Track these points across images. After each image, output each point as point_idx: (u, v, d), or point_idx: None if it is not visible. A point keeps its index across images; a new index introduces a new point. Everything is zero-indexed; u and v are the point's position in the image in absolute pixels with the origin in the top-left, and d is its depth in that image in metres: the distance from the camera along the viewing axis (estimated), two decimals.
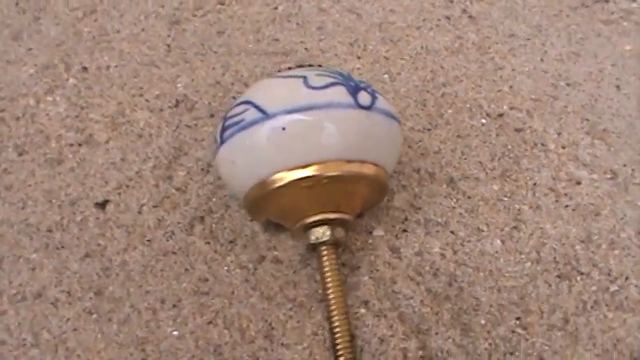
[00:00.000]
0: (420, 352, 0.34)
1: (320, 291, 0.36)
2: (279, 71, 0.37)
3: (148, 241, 0.39)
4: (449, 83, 0.47)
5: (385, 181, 0.36)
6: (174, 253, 0.38)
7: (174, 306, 0.36)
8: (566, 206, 0.40)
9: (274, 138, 0.33)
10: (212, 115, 0.45)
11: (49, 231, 0.39)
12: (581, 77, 0.48)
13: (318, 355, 0.34)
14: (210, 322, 0.36)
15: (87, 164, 0.42)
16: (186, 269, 0.38)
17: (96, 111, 0.45)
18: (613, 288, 0.37)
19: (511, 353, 0.34)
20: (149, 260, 0.38)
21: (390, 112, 0.35)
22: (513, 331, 0.35)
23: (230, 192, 0.38)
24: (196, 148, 0.43)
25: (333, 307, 0.35)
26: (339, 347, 0.34)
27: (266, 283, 0.37)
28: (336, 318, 0.35)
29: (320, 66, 0.38)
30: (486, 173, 0.42)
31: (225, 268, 0.38)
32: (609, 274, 0.37)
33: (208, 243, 0.39)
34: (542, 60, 0.49)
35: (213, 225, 0.40)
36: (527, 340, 0.35)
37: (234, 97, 0.46)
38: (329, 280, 0.35)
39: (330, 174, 0.33)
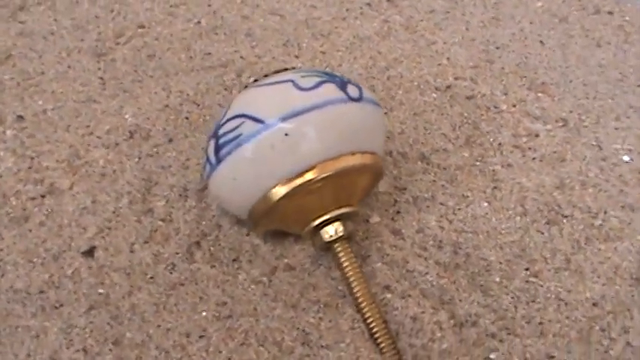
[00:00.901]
0: (452, 322, 0.35)
1: (340, 287, 0.37)
2: (255, 80, 0.36)
3: (151, 278, 0.37)
4: (391, 66, 0.49)
5: (382, 167, 0.36)
6: (182, 284, 0.37)
7: (201, 337, 0.35)
8: (534, 158, 0.43)
9: (278, 146, 0.33)
10: (171, 140, 0.44)
11: (42, 292, 0.37)
12: (506, 39, 0.51)
13: (362, 348, 0.34)
14: (242, 344, 0.35)
15: (57, 215, 0.40)
16: (201, 297, 0.37)
17: (48, 158, 0.43)
18: (597, 222, 0.40)
19: (532, 301, 0.36)
20: (159, 297, 0.37)
21: (375, 100, 0.36)
22: (527, 281, 0.37)
23: (229, 210, 0.38)
24: (166, 176, 0.42)
25: (361, 299, 0.35)
26: (377, 335, 0.35)
27: (285, 292, 0.37)
28: (367, 309, 0.35)
29: (293, 68, 0.38)
30: (453, 143, 0.44)
31: (240, 286, 0.37)
32: (589, 212, 0.40)
33: (214, 266, 0.38)
34: (467, 29, 0.52)
35: (212, 248, 0.39)
36: (541, 286, 0.37)
37: (187, 118, 0.45)
38: (351, 273, 0.36)
39: (337, 170, 0.34)
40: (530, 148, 0.43)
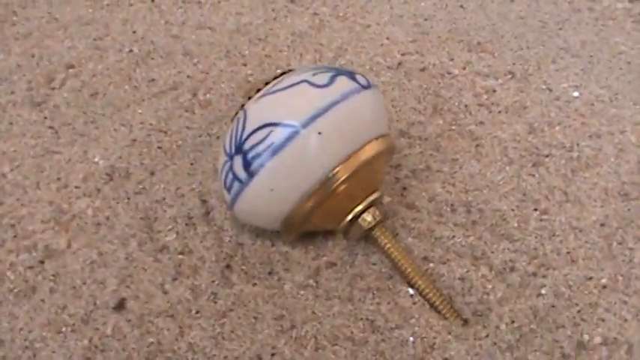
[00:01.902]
0: (493, 272, 0.38)
1: (383, 269, 0.38)
2: (258, 91, 0.36)
3: (197, 312, 0.36)
4: (339, 55, 0.50)
5: (394, 146, 0.38)
6: (231, 310, 0.36)
7: (273, 355, 0.35)
8: (499, 112, 0.46)
9: (314, 146, 0.33)
10: (152, 173, 0.42)
11: (87, 358, 0.34)
12: (431, 10, 0.54)
13: (430, 318, 0.36)
14: (317, 349, 0.35)
15: (65, 277, 0.37)
16: (255, 317, 0.36)
17: (31, 221, 0.40)
18: (574, 155, 0.44)
19: (553, 235, 0.39)
20: (213, 330, 0.35)
21: (374, 84, 0.37)
22: (541, 220, 0.40)
23: (259, 224, 0.37)
24: (163, 209, 0.41)
25: (412, 275, 0.36)
26: (437, 303, 0.36)
27: (335, 289, 0.37)
28: (420, 281, 0.36)
29: (290, 70, 0.38)
30: (423, 114, 0.46)
31: (289, 295, 0.37)
32: (564, 147, 0.44)
33: (255, 284, 0.37)
34: (391, 7, 0.54)
35: (244, 267, 0.38)
36: (554, 221, 0.40)
37: (159, 147, 0.44)
38: (396, 253, 0.37)
39: (367, 158, 0.35)
40: (493, 104, 0.46)
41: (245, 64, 0.49)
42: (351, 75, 0.35)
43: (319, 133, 0.33)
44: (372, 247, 0.38)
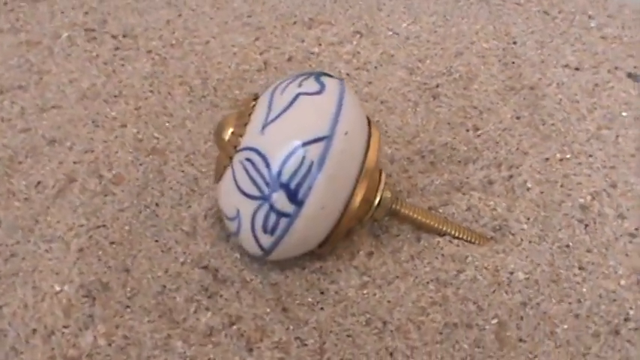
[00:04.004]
0: (480, 192, 0.42)
1: (409, 236, 0.40)
2: (238, 126, 0.34)
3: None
4: (205, 78, 0.48)
5: None
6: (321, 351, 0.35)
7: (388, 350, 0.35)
8: (375, 67, 0.50)
9: (348, 149, 0.33)
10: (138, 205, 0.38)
11: None
12: (246, 7, 0.55)
13: (477, 250, 0.39)
14: (419, 328, 0.36)
15: None
16: (350, 335, 0.35)
17: None
18: (456, 75, 0.50)
19: (497, 143, 0.45)
20: None
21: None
22: (479, 135, 0.46)
23: (302, 251, 0.36)
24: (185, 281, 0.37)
25: (439, 225, 0.39)
26: (468, 238, 0.39)
27: (388, 272, 0.38)
28: (447, 228, 0.39)
29: (256, 99, 0.36)
30: None
31: (360, 299, 0.37)
32: (444, 72, 0.50)
33: (322, 309, 0.36)
34: (211, 18, 0.54)
35: (298, 301, 0.37)
36: (488, 131, 0.46)
37: (122, 191, 0.39)
38: (419, 213, 0.39)
39: (379, 139, 0.36)
40: (365, 63, 0.50)
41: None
42: (324, 73, 0.36)
43: (346, 134, 0.33)
44: (376, 228, 0.39)
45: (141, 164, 0.43)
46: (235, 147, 0.34)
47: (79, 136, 0.44)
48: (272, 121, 0.33)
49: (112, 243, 0.39)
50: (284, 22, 0.53)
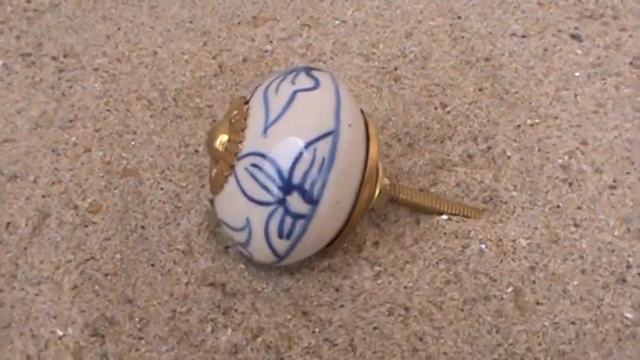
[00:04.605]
0: (462, 166, 0.43)
1: (408, 219, 0.40)
2: (233, 133, 0.33)
3: None
4: (165, 89, 0.47)
5: None
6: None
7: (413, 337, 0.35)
8: (332, 58, 0.50)
9: (355, 141, 0.33)
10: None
11: None
12: (186, 15, 0.53)
13: (477, 224, 0.39)
14: (440, 308, 0.36)
15: None
16: (376, 327, 0.35)
17: None
18: (410, 56, 0.50)
19: (467, 117, 0.46)
20: None
21: None
22: (448, 113, 0.46)
23: (314, 251, 0.35)
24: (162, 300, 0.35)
25: (437, 204, 0.39)
26: (464, 212, 0.40)
27: (397, 259, 0.38)
28: (444, 206, 0.40)
29: (247, 103, 0.35)
30: None
31: (377, 290, 0.37)
32: (399, 54, 0.50)
33: (342, 306, 0.36)
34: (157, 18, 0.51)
35: (319, 316, 0.36)
36: (456, 106, 0.47)
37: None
38: (419, 196, 0.39)
39: (376, 127, 0.36)
40: (320, 55, 0.49)
41: (89, 150, 0.42)
42: (311, 67, 0.35)
43: (350, 125, 0.33)
44: (374, 217, 0.39)
45: (115, 188, 0.40)
46: (236, 154, 0.33)
47: (42, 168, 0.41)
48: (273, 122, 0.32)
49: (107, 275, 0.36)
50: (228, 24, 0.51)
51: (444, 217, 0.39)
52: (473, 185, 0.41)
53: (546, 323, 0.35)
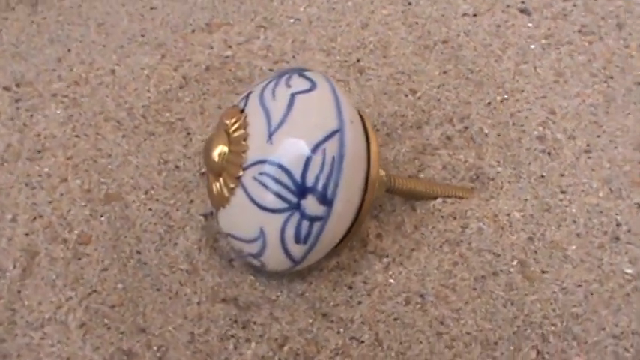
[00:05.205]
0: (446, 149, 0.44)
1: (403, 207, 0.40)
2: (230, 143, 0.32)
3: None
4: (132, 107, 0.45)
5: None
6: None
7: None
8: (298, 54, 0.49)
9: (358, 136, 0.33)
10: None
11: None
12: (137, 30, 0.51)
13: (472, 203, 0.40)
14: (454, 290, 0.37)
15: None
16: (392, 314, 0.36)
17: None
18: (388, 40, 0.50)
19: (444, 101, 0.47)
20: None
21: None
22: (427, 96, 0.47)
23: (327, 251, 0.35)
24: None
25: (431, 189, 0.40)
26: (456, 194, 0.41)
27: (403, 247, 0.38)
28: (438, 190, 0.40)
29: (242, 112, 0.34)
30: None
31: (392, 279, 0.37)
32: (376, 42, 0.50)
33: (360, 302, 0.36)
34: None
35: (339, 315, 0.36)
36: (447, 91, 0.47)
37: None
38: (414, 183, 0.40)
39: (371, 122, 0.36)
40: (283, 53, 0.49)
41: (65, 180, 0.41)
42: (301, 68, 0.35)
43: (351, 122, 0.33)
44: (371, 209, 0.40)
45: (101, 215, 0.39)
46: (241, 165, 0.32)
47: (19, 205, 0.39)
48: (277, 128, 0.32)
49: (113, 306, 0.35)
50: (182, 33, 0.50)
51: (439, 200, 0.40)
52: (458, 166, 0.42)
53: (555, 289, 0.36)
